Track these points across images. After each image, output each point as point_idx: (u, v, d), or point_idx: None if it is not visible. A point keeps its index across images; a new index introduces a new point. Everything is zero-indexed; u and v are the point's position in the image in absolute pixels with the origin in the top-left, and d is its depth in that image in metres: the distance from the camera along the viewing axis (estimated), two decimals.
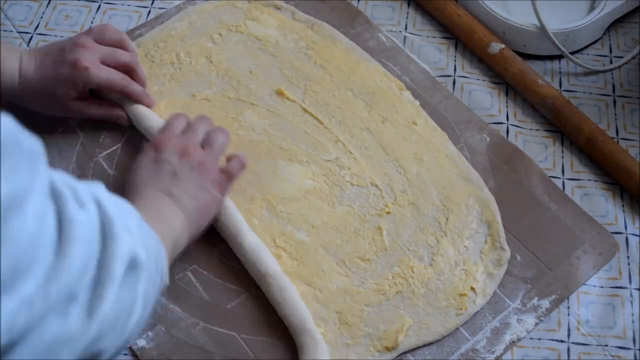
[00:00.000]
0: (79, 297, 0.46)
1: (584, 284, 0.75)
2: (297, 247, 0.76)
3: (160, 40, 0.92)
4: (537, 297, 0.74)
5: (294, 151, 0.83)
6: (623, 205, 0.81)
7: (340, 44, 0.92)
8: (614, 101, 0.90)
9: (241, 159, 0.77)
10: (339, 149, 0.83)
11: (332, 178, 0.81)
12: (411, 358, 0.70)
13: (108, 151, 0.83)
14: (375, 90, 0.88)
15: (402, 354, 0.70)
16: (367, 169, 0.81)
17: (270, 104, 0.86)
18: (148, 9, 0.97)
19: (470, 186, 0.80)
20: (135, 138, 0.83)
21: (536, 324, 0.73)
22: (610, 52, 0.95)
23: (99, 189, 0.53)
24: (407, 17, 0.98)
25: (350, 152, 0.83)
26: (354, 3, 0.99)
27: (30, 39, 0.93)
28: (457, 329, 0.72)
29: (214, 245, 0.76)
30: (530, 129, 0.88)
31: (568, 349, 0.72)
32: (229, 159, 0.77)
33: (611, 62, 0.94)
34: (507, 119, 0.88)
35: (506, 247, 0.76)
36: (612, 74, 0.93)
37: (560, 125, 0.86)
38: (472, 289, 0.73)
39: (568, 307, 0.74)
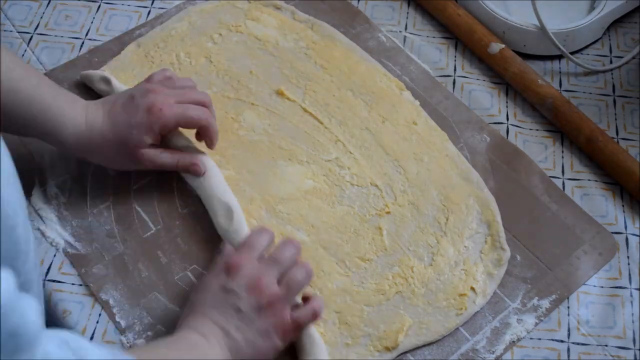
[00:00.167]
0: None
1: (584, 284, 0.75)
2: None
3: (160, 40, 0.92)
4: (537, 297, 0.74)
5: (294, 151, 0.83)
6: (623, 205, 0.81)
7: (340, 43, 0.92)
8: (614, 101, 0.90)
9: (316, 308, 0.67)
10: (339, 149, 0.83)
11: (332, 178, 0.81)
12: (411, 358, 0.70)
13: None
14: (375, 90, 0.88)
15: (402, 354, 0.70)
16: (367, 169, 0.81)
17: (270, 104, 0.86)
18: (148, 9, 0.97)
19: (470, 186, 0.80)
20: None
21: (536, 324, 0.72)
22: (610, 52, 0.95)
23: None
24: (407, 17, 0.98)
25: (350, 152, 0.83)
26: (354, 3, 0.99)
27: (30, 39, 0.93)
28: (457, 329, 0.72)
29: (214, 245, 0.76)
30: (530, 129, 0.87)
31: (568, 349, 0.72)
32: (304, 299, 0.69)
33: (611, 62, 0.94)
34: (507, 119, 0.88)
35: (506, 247, 0.76)
36: (612, 74, 0.93)
37: (560, 125, 0.86)
38: (472, 289, 0.73)
39: (568, 307, 0.74)
